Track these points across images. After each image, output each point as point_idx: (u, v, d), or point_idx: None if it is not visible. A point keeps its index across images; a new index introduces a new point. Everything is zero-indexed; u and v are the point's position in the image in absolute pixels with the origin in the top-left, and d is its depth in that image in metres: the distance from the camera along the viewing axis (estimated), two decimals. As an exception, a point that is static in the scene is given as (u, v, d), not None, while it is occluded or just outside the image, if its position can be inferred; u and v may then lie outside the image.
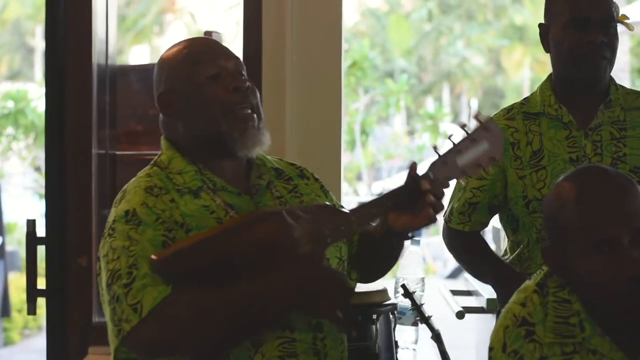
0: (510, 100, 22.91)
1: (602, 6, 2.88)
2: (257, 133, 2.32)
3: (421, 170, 2.34)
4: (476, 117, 2.38)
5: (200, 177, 2.29)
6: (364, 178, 19.05)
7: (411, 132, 24.61)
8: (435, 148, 2.37)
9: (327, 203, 2.41)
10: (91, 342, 3.56)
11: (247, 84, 2.32)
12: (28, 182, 16.77)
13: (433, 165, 2.34)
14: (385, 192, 2.34)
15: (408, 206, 2.31)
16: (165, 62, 2.37)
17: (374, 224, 2.34)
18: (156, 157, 2.36)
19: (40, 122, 13.99)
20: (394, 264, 2.52)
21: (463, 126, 2.36)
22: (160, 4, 25.56)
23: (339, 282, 2.18)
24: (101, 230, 2.31)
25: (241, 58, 2.27)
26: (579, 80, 2.92)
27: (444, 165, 2.34)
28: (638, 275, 2.02)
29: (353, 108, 15.81)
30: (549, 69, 3.02)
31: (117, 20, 3.93)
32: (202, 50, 2.35)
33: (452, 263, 15.72)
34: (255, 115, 2.32)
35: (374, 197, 2.34)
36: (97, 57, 3.67)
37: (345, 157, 15.84)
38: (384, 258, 2.48)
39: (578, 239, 2.08)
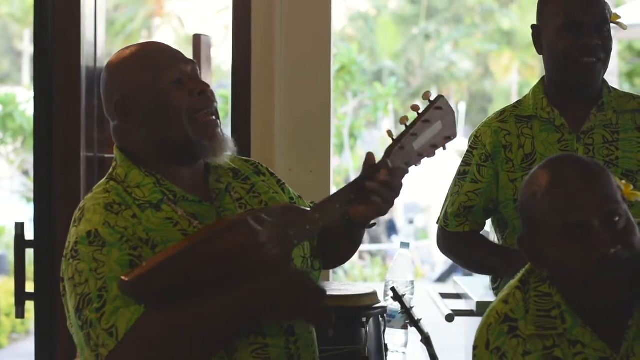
0: (498, 104, 22.99)
1: (596, 9, 2.87)
2: (224, 139, 2.28)
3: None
4: (426, 97, 2.33)
5: (160, 189, 2.23)
6: (352, 182, 18.97)
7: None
8: (390, 133, 2.32)
9: (291, 203, 2.40)
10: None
11: (210, 87, 2.28)
12: (16, 186, 16.69)
13: (390, 152, 2.28)
14: (346, 185, 2.29)
15: (368, 196, 2.27)
16: (119, 68, 2.29)
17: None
18: (111, 171, 2.30)
19: (28, 125, 13.95)
20: (356, 250, 2.51)
21: (415, 108, 2.31)
22: (149, 8, 25.55)
23: (309, 284, 2.16)
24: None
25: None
26: (572, 83, 2.92)
27: (401, 151, 2.29)
28: (606, 256, 2.01)
29: (342, 112, 15.78)
30: (537, 74, 3.04)
31: (105, 24, 3.92)
32: (160, 55, 2.28)
33: (441, 267, 15.73)
34: (218, 121, 2.29)
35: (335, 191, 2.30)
36: (85, 60, 3.66)
37: (334, 161, 15.82)
38: (346, 246, 2.48)
39: (549, 225, 2.08)
